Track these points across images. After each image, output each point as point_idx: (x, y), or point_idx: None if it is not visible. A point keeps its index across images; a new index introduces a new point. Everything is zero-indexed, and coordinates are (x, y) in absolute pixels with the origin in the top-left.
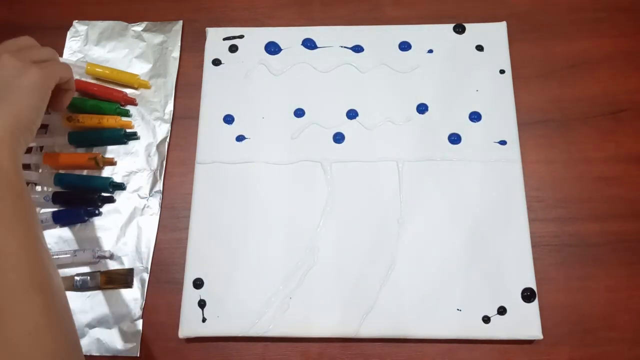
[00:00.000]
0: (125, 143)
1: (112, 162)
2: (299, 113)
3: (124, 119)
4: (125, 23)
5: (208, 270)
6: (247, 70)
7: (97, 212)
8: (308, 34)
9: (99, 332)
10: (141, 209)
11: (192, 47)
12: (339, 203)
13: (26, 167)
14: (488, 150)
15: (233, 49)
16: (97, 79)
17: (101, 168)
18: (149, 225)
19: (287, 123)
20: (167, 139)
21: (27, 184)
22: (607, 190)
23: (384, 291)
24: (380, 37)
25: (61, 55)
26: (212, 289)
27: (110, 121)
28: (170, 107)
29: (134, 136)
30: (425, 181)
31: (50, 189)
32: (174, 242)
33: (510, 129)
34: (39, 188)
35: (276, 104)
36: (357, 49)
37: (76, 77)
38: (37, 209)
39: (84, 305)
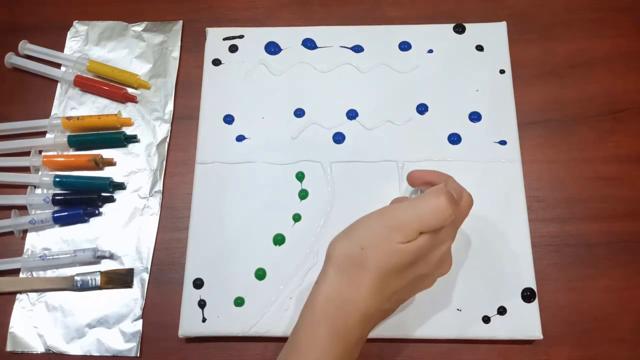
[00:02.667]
0: (125, 146)
1: (111, 163)
2: (299, 113)
3: (124, 116)
4: (125, 23)
5: (208, 270)
6: (247, 70)
7: (97, 212)
8: (308, 34)
9: (99, 332)
10: (141, 209)
11: (192, 47)
12: (340, 203)
13: (25, 169)
14: (488, 150)
15: (233, 49)
16: (98, 76)
17: (101, 169)
18: (149, 225)
19: (287, 123)
20: (167, 139)
21: (27, 186)
22: (607, 190)
23: None
24: (380, 37)
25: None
26: (212, 289)
27: (109, 118)
28: (170, 107)
29: (134, 139)
30: None
31: (50, 191)
32: (174, 242)
33: (510, 129)
34: (38, 190)
35: (276, 104)
36: (357, 49)
37: (78, 73)
38: (37, 211)
39: (84, 305)
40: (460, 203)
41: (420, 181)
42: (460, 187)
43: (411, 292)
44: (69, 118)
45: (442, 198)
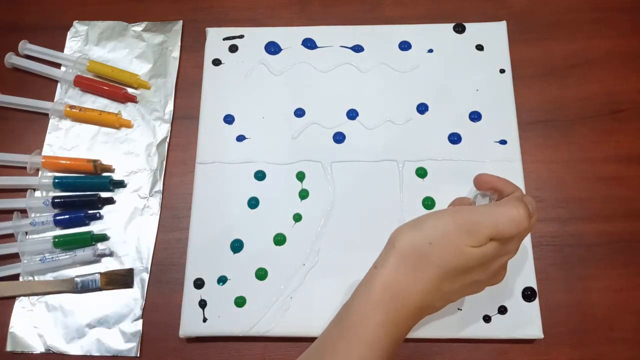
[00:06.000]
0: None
1: (110, 169)
2: (299, 113)
3: (124, 116)
4: (125, 23)
5: (208, 270)
6: (247, 70)
7: (98, 214)
8: (308, 34)
9: (99, 332)
10: (141, 209)
11: (192, 47)
12: (340, 203)
13: (24, 171)
14: (488, 149)
15: (233, 49)
16: (98, 76)
17: (99, 173)
18: (149, 225)
19: (287, 123)
20: (167, 139)
21: (26, 189)
22: (607, 190)
23: None
24: (380, 36)
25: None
26: (213, 289)
27: (110, 116)
28: (170, 107)
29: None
30: (426, 181)
31: (50, 193)
32: (174, 242)
33: (510, 129)
34: (38, 193)
35: (276, 104)
36: (357, 48)
37: (78, 73)
38: (37, 214)
39: (85, 306)
40: (532, 216)
41: (488, 186)
42: (532, 200)
43: (461, 295)
44: (72, 107)
45: (522, 209)
